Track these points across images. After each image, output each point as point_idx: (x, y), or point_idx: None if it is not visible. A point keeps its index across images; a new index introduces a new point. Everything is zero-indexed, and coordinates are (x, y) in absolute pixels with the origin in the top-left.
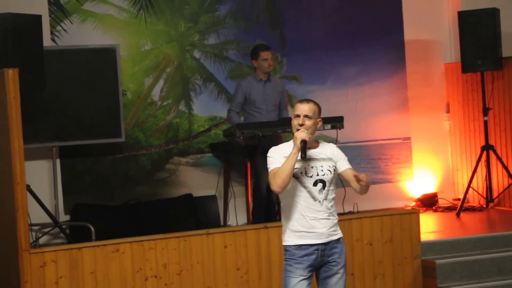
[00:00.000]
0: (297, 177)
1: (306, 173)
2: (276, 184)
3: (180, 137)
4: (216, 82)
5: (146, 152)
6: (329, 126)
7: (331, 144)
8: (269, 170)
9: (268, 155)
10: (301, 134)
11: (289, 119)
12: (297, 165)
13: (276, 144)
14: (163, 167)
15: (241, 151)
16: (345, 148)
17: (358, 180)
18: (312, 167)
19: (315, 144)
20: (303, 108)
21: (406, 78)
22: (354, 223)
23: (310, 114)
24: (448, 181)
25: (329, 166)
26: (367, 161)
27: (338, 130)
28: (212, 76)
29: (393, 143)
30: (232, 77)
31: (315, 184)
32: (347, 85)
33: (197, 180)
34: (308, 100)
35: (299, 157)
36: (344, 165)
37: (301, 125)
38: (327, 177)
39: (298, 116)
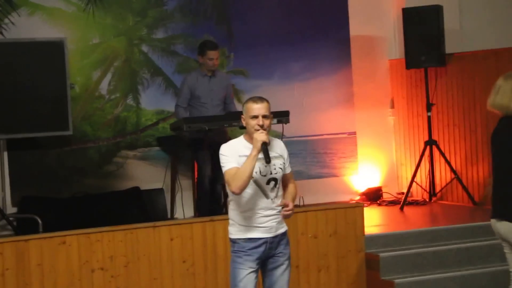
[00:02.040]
0: (253, 177)
1: (260, 172)
2: (236, 186)
3: (128, 130)
4: (164, 76)
5: (94, 145)
6: (275, 120)
7: (279, 140)
8: (224, 169)
9: (221, 152)
10: (262, 136)
11: (235, 114)
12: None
13: (223, 138)
14: (111, 160)
15: (188, 144)
16: (291, 143)
17: (283, 207)
18: (265, 166)
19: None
20: (260, 108)
21: (352, 73)
22: (299, 216)
23: (267, 113)
24: (392, 175)
25: (280, 164)
26: (312, 155)
27: (284, 124)
28: (160, 70)
29: (338, 137)
30: (180, 71)
31: (268, 182)
32: (293, 80)
33: (145, 173)
34: (261, 99)
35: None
36: (288, 168)
37: (261, 126)
38: (279, 175)
39: (256, 116)
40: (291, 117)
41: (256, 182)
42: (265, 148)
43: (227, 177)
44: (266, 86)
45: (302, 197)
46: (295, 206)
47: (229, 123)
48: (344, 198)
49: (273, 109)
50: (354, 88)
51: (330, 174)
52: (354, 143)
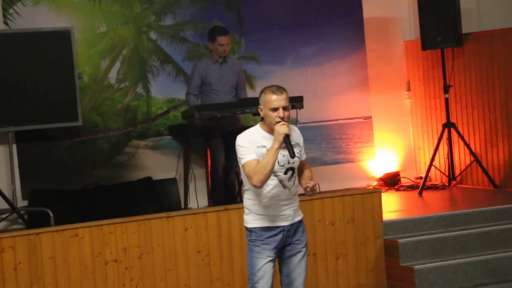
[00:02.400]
0: None
1: (278, 162)
2: (258, 180)
3: (139, 119)
4: (173, 64)
5: (104, 136)
6: (290, 106)
7: (294, 127)
8: (242, 161)
9: (238, 143)
10: (284, 129)
11: (248, 100)
12: None
13: (236, 125)
14: (122, 151)
15: (200, 133)
16: (305, 129)
17: (305, 188)
18: (283, 156)
19: None
20: (280, 100)
21: (366, 56)
22: (316, 203)
23: (287, 104)
24: (410, 159)
25: (297, 152)
26: (328, 141)
27: (298, 110)
28: (169, 58)
29: (354, 122)
30: (190, 58)
31: (285, 172)
32: (306, 65)
33: (157, 163)
34: (280, 90)
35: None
36: (303, 155)
37: (282, 118)
38: (296, 164)
39: (276, 109)
40: (305, 102)
41: (275, 173)
42: (288, 141)
43: (247, 170)
44: (278, 71)
45: (318, 184)
46: (311, 192)
47: (242, 110)
48: (361, 184)
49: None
50: (369, 71)
51: (346, 160)
52: (370, 128)
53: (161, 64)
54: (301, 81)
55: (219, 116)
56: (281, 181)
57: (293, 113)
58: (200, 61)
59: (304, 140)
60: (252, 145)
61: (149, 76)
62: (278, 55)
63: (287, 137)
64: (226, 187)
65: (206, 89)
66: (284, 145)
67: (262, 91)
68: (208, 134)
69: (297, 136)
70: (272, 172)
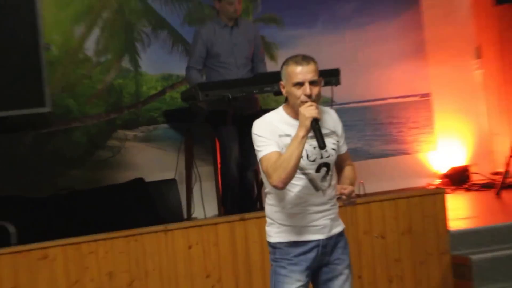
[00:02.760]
0: None
1: (308, 156)
2: (278, 178)
3: (125, 103)
4: (169, 30)
5: (80, 125)
6: (321, 82)
7: (330, 110)
8: (260, 154)
9: (255, 132)
10: (311, 111)
11: (267, 75)
12: None
13: (253, 109)
14: (104, 144)
15: (206, 119)
16: (344, 112)
17: (339, 194)
18: (314, 148)
19: None
20: (306, 72)
21: (421, 15)
22: (360, 210)
23: (316, 78)
24: (483, 149)
25: (333, 144)
26: (374, 127)
27: (333, 87)
28: (164, 22)
29: (407, 101)
30: (190, 21)
31: (318, 169)
32: (343, 28)
33: (150, 160)
34: (307, 59)
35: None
36: (343, 146)
37: (309, 96)
38: (332, 158)
39: (300, 84)
40: (342, 77)
41: (303, 170)
42: (317, 127)
43: (265, 165)
44: (307, 36)
45: (363, 183)
46: (348, 201)
47: (260, 88)
48: (420, 182)
49: (319, 67)
50: (425, 34)
51: (398, 151)
52: (429, 109)
53: (154, 30)
54: (337, 49)
55: (230, 96)
56: (311, 181)
57: (327, 91)
58: (204, 25)
59: (344, 126)
60: (273, 133)
61: (138, 46)
62: (306, 15)
63: (315, 122)
64: (242, 190)
65: (212, 62)
66: (312, 133)
67: (284, 63)
68: (217, 121)
69: (333, 122)
70: (296, 168)
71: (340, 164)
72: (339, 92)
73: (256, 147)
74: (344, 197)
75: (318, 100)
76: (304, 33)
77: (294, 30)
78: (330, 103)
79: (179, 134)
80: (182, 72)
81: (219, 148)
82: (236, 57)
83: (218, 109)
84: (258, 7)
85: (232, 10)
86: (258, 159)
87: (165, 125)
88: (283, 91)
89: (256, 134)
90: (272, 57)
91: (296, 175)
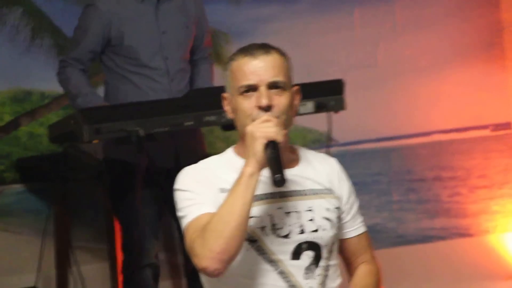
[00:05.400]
0: (253, 238)
1: (273, 226)
2: (210, 253)
3: None
4: (26, 8)
5: None
6: (310, 105)
7: (324, 155)
8: (185, 221)
9: (179, 186)
10: (265, 128)
11: (214, 92)
12: (255, 209)
13: (193, 155)
14: None
15: (97, 176)
16: (352, 158)
17: None
18: (287, 213)
19: (289, 154)
20: (262, 68)
21: None
22: None
23: (280, 79)
24: None
25: (328, 209)
26: (406, 186)
27: (332, 114)
28: None
29: (469, 138)
30: None
31: (296, 254)
32: (350, 2)
33: None
34: (265, 47)
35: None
36: (353, 221)
37: (265, 109)
38: (325, 235)
39: (252, 88)
40: (350, 96)
41: (267, 255)
42: (273, 155)
43: (190, 236)
44: (285, 19)
45: None
46: None
47: (197, 118)
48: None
49: (305, 76)
50: (503, 18)
51: (453, 232)
52: (510, 151)
53: None
54: (340, 42)
55: (142, 134)
56: (285, 277)
57: (321, 120)
58: None
59: (355, 184)
60: (209, 186)
61: None
62: None
63: (272, 147)
64: None
65: (125, 64)
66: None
67: (229, 59)
68: (118, 182)
69: (328, 175)
70: (243, 231)
71: (349, 259)
72: (343, 124)
73: (178, 212)
74: None
75: (285, 119)
76: (278, 12)
77: (264, 7)
78: (326, 142)
79: (45, 203)
80: (50, 86)
81: (121, 232)
82: (166, 56)
83: (120, 158)
84: None
85: None
86: (182, 229)
87: (19, 187)
88: (228, 110)
89: (180, 190)
90: (219, 58)
91: (255, 263)
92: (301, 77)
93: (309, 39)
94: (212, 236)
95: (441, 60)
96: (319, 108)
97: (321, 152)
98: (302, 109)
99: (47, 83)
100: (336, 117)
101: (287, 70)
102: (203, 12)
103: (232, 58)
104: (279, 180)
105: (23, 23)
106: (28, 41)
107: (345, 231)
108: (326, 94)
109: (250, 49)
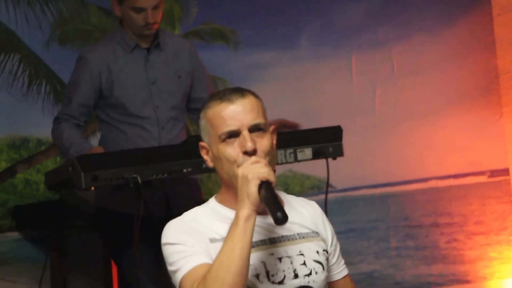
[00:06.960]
0: (248, 287)
1: (267, 273)
2: None
3: None
4: (23, 53)
5: None
6: (308, 151)
7: (306, 200)
8: (180, 275)
9: (167, 240)
10: (258, 171)
11: None
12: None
13: (188, 203)
14: None
15: (94, 224)
16: (349, 204)
17: None
18: (280, 259)
19: None
20: (242, 112)
21: (492, 21)
22: None
23: (259, 121)
24: None
25: (317, 252)
26: (404, 232)
27: (329, 161)
28: (11, 37)
29: (466, 185)
30: (63, 38)
31: None
32: (349, 47)
33: None
34: (240, 91)
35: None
36: (337, 266)
37: (251, 153)
38: (317, 278)
39: (232, 135)
40: (347, 141)
41: None
42: (269, 194)
43: (189, 286)
44: (283, 65)
45: None
46: None
47: (195, 165)
48: None
49: (308, 123)
50: (498, 62)
51: (451, 279)
52: (507, 198)
53: None
54: (337, 87)
55: (140, 181)
56: None
57: (317, 167)
58: (97, 48)
59: (351, 232)
60: (199, 237)
61: None
62: (281, 25)
63: (267, 187)
64: None
65: (113, 114)
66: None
67: (202, 107)
68: (115, 232)
69: (313, 219)
70: (244, 278)
71: None
72: (341, 170)
73: (170, 267)
74: None
75: (270, 159)
76: (276, 58)
77: (258, 53)
78: (323, 188)
79: (41, 251)
80: (46, 133)
81: (118, 280)
82: (157, 105)
83: (116, 205)
84: (193, 11)
85: (142, 23)
86: (176, 284)
87: (15, 235)
88: (207, 160)
89: (169, 244)
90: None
91: None
92: (299, 122)
93: (307, 84)
94: (215, 285)
95: (438, 106)
96: (317, 155)
97: (315, 198)
98: (300, 156)
99: (44, 129)
100: (334, 163)
101: (264, 111)
102: (198, 63)
103: (207, 106)
104: (281, 217)
105: (20, 69)
106: (25, 88)
107: (332, 273)
108: (324, 141)
109: (225, 94)
